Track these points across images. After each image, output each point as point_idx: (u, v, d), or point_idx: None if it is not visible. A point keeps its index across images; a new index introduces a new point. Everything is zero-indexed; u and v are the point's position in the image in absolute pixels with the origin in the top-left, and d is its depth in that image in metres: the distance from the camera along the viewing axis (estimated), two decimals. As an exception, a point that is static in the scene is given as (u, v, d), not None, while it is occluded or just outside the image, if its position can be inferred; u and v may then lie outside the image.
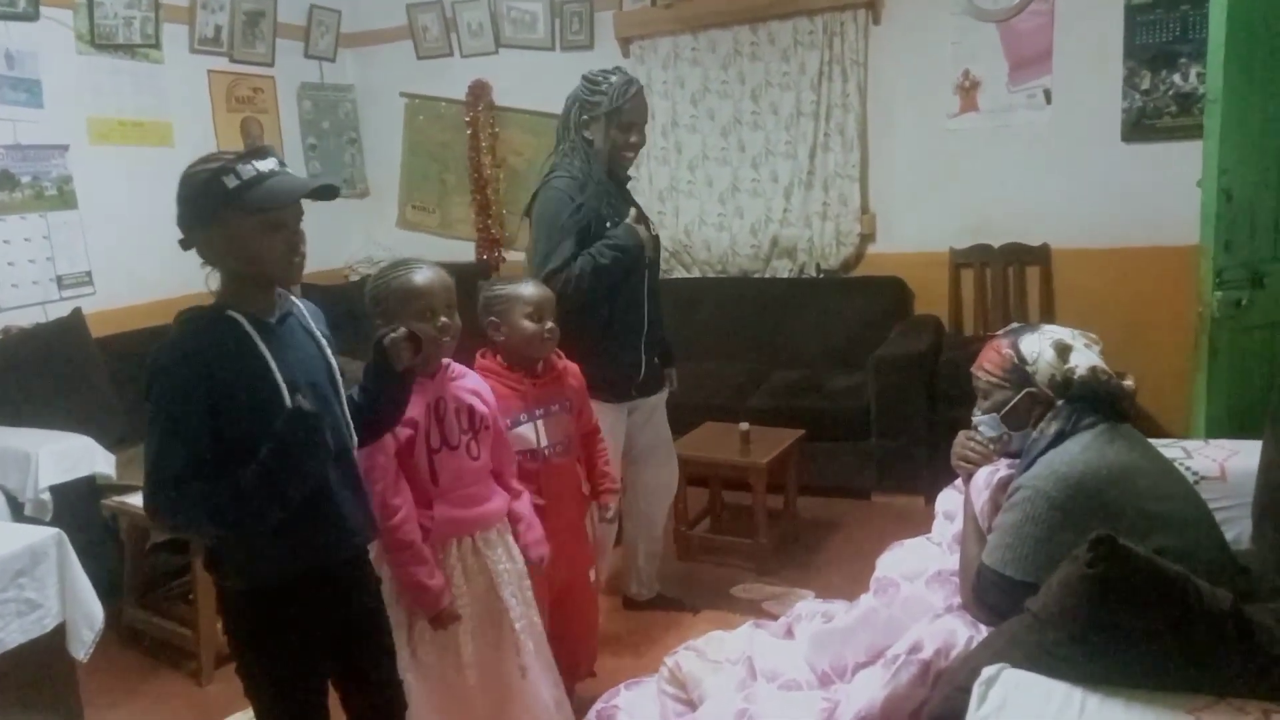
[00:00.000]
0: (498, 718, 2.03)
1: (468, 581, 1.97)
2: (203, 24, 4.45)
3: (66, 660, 2.23)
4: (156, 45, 4.25)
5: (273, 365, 1.50)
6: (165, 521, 1.51)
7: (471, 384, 2.05)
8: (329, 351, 1.63)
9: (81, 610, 2.24)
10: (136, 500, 2.86)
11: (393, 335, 1.64)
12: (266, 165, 1.48)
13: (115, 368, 3.66)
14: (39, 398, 3.28)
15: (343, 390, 1.64)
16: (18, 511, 2.81)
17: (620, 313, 2.62)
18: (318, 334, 1.63)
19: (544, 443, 2.27)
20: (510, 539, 2.07)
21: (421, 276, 1.91)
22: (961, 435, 1.97)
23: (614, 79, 2.60)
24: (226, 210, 1.46)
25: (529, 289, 2.25)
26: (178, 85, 4.38)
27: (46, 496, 2.81)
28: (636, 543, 3.00)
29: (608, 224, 2.59)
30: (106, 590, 2.46)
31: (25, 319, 3.67)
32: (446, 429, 1.95)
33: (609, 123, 2.59)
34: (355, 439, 1.66)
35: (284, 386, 1.50)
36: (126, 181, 4.14)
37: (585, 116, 2.61)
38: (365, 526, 1.71)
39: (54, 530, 2.21)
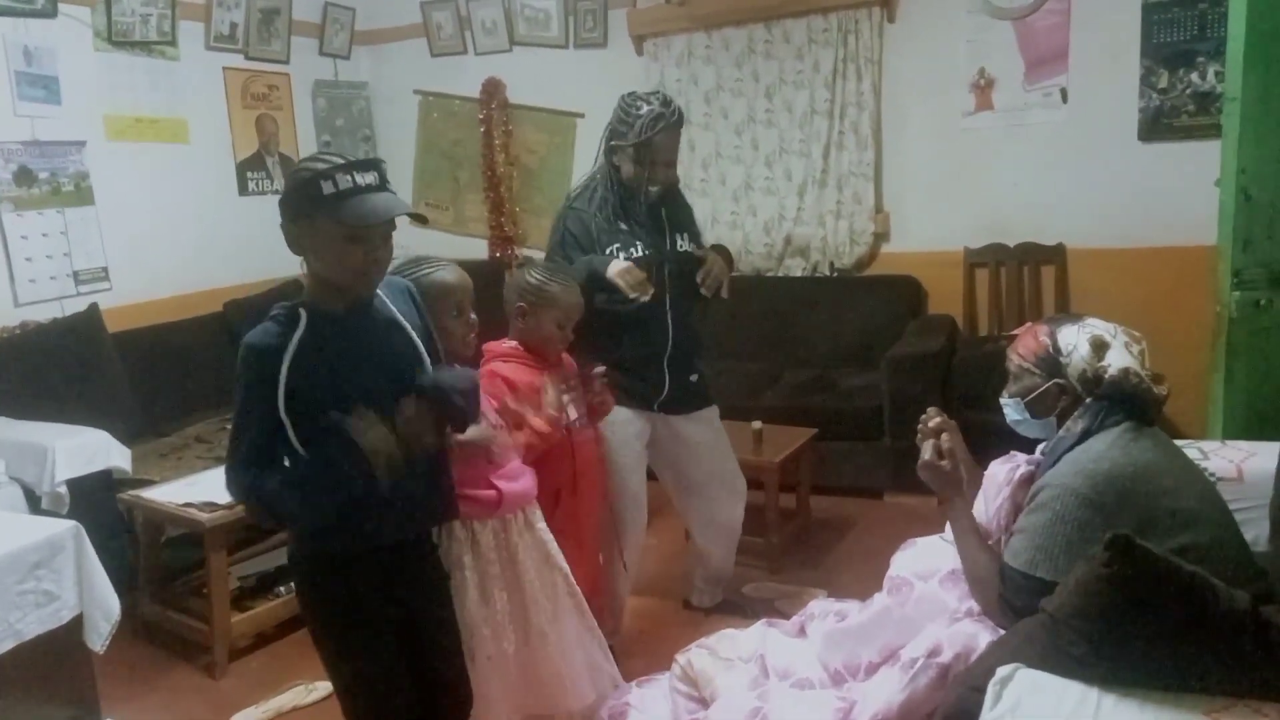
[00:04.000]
0: (559, 685, 2.09)
1: (527, 556, 2.05)
2: (218, 21, 4.47)
3: (83, 652, 2.24)
4: (173, 42, 4.27)
5: (330, 362, 1.57)
6: (234, 498, 1.66)
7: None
8: (414, 335, 1.66)
9: (98, 602, 2.25)
10: (152, 494, 2.89)
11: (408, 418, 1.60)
12: (365, 179, 1.51)
13: (131, 363, 3.69)
14: (56, 392, 3.31)
15: (426, 359, 1.66)
16: (35, 504, 2.83)
17: (634, 333, 2.55)
18: (401, 320, 1.66)
19: (573, 415, 2.31)
20: (536, 516, 2.13)
21: (453, 274, 1.94)
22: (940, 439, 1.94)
23: (645, 110, 2.48)
24: (315, 214, 1.50)
25: (569, 296, 2.25)
26: (193, 82, 4.40)
27: (63, 490, 2.83)
28: (694, 567, 3.01)
29: (610, 252, 2.51)
30: (122, 584, 2.47)
31: (43, 314, 3.70)
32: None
33: (636, 154, 2.50)
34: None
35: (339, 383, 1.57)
36: (143, 178, 4.17)
37: (614, 143, 2.53)
38: (434, 512, 1.77)
39: (71, 523, 2.23)
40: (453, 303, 1.91)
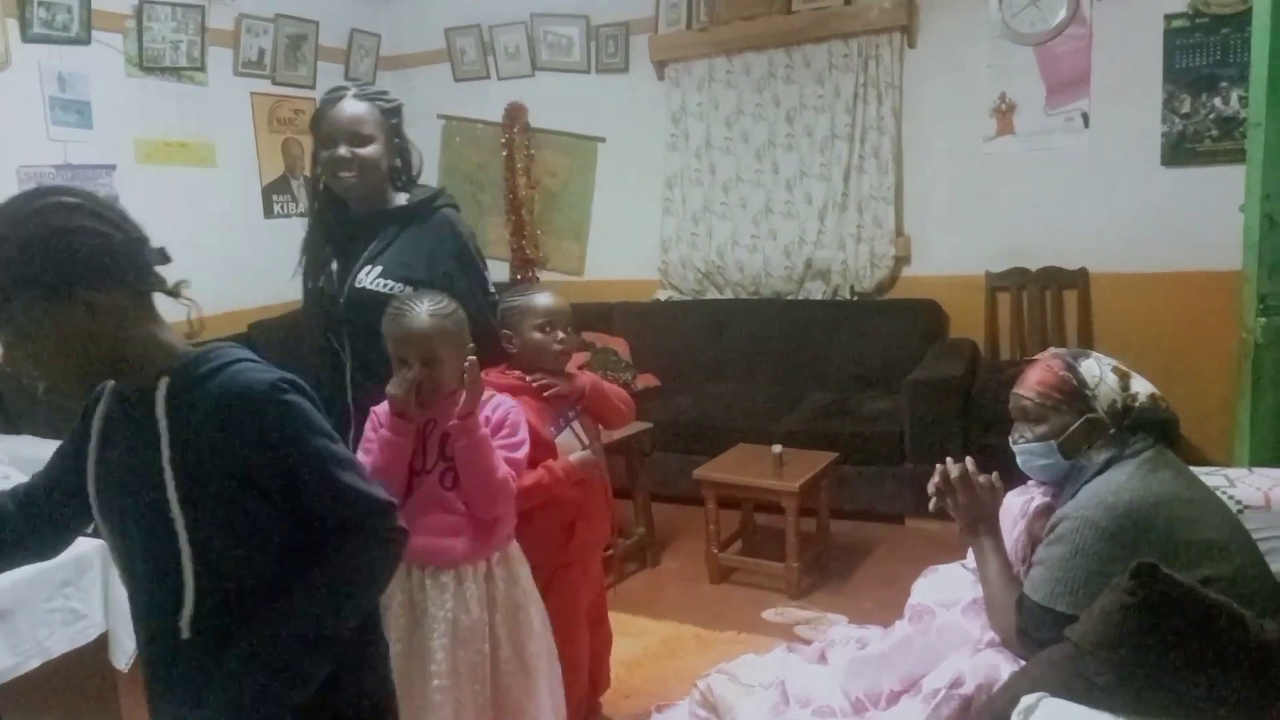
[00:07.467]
0: None
1: (404, 615, 1.84)
2: (247, 47, 4.55)
3: (108, 669, 2.26)
4: (202, 68, 4.35)
5: (102, 454, 1.28)
6: None
7: (486, 412, 1.90)
8: (165, 462, 1.20)
9: (123, 621, 2.27)
10: (176, 514, 2.90)
11: None
12: None
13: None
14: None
15: (174, 507, 1.19)
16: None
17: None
18: (160, 435, 1.20)
19: (586, 442, 2.24)
20: (473, 589, 1.86)
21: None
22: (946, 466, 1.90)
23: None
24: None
25: (540, 300, 2.18)
26: (221, 107, 4.47)
27: (89, 509, 2.86)
28: None
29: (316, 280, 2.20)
30: (146, 602, 2.49)
31: (71, 334, 3.76)
32: (427, 452, 1.88)
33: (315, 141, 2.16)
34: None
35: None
36: (170, 201, 4.23)
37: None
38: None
39: (98, 541, 2.24)
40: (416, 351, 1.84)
